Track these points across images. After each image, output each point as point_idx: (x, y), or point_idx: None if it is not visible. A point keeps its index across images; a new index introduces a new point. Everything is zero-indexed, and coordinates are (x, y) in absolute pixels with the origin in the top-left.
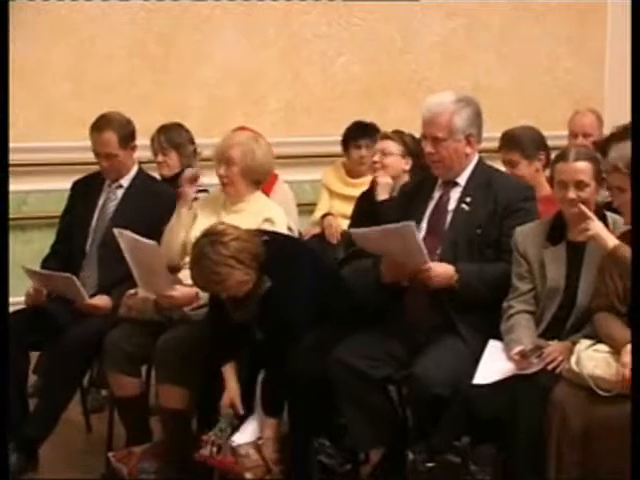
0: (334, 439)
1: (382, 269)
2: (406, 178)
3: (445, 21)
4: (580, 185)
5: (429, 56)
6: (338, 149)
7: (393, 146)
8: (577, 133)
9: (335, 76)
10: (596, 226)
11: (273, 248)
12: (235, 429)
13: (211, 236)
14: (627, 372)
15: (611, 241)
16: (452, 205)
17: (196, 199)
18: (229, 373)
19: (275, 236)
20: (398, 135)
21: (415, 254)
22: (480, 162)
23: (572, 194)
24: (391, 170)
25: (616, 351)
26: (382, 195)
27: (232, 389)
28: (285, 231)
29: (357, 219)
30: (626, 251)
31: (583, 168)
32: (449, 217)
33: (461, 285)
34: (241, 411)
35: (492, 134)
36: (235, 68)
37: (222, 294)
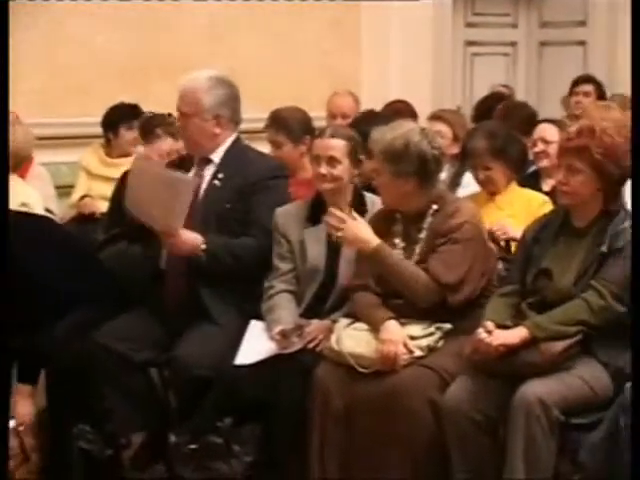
0: (95, 424)
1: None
2: None
3: (207, 1)
4: (332, 161)
5: (190, 36)
6: (97, 130)
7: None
8: (335, 114)
9: (94, 56)
10: (351, 227)
11: (20, 229)
12: None
13: None
14: (385, 348)
15: (373, 242)
16: (206, 182)
17: None
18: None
19: (23, 217)
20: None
21: (175, 214)
22: (237, 141)
23: (323, 169)
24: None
25: (374, 329)
26: None
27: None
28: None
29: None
30: (386, 252)
31: (336, 144)
32: (202, 193)
33: (207, 255)
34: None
35: (252, 115)
36: None
37: None
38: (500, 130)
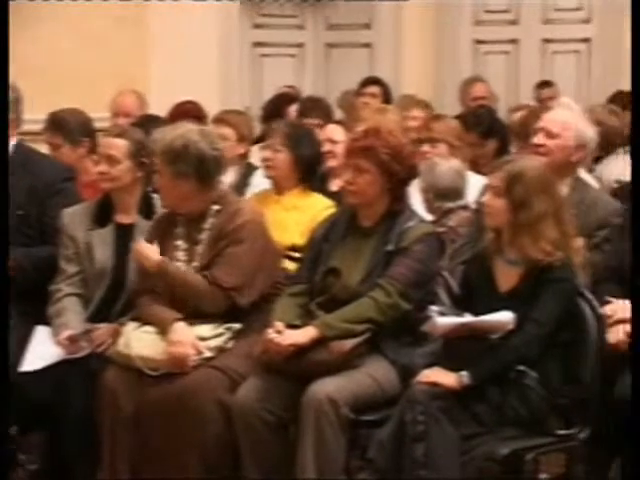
0: None
1: None
2: None
3: None
4: (111, 160)
5: None
6: None
7: None
8: (118, 113)
9: None
10: (136, 247)
11: None
12: None
13: None
14: (174, 350)
15: (154, 257)
16: None
17: None
18: None
19: None
20: None
21: None
22: (19, 144)
23: (102, 168)
24: None
25: (163, 331)
26: None
27: None
28: None
29: None
30: (169, 266)
31: (117, 144)
32: None
33: (14, 270)
34: None
35: (36, 116)
36: None
37: None
38: (300, 128)
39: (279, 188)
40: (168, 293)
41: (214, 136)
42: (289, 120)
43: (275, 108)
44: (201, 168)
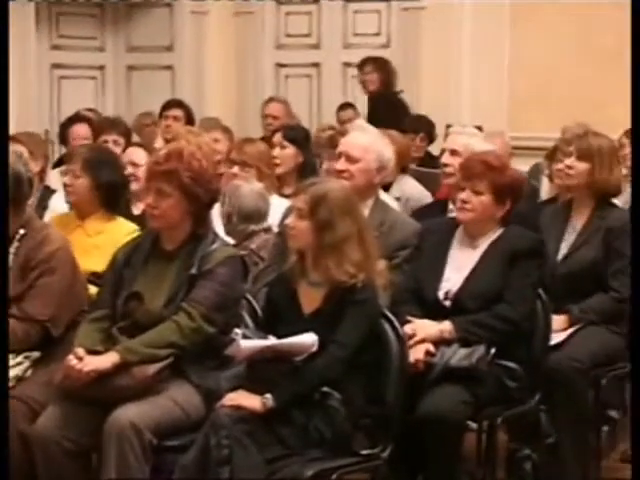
0: None
1: None
2: None
3: None
4: None
5: None
6: None
7: None
8: None
9: None
10: None
11: None
12: None
13: None
14: None
15: None
16: None
17: None
18: None
19: None
20: None
21: None
22: None
23: None
24: None
25: None
26: None
27: None
28: None
29: None
30: None
31: None
32: None
33: None
34: None
35: None
36: None
37: None
38: (101, 153)
39: (80, 213)
40: None
41: (27, 158)
42: (91, 144)
43: (65, 131)
44: (17, 189)
